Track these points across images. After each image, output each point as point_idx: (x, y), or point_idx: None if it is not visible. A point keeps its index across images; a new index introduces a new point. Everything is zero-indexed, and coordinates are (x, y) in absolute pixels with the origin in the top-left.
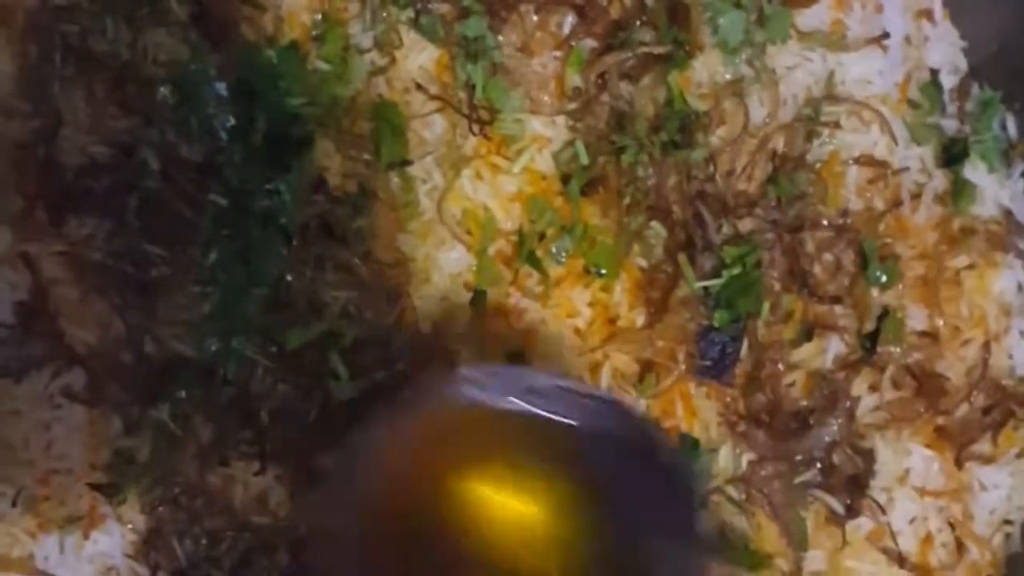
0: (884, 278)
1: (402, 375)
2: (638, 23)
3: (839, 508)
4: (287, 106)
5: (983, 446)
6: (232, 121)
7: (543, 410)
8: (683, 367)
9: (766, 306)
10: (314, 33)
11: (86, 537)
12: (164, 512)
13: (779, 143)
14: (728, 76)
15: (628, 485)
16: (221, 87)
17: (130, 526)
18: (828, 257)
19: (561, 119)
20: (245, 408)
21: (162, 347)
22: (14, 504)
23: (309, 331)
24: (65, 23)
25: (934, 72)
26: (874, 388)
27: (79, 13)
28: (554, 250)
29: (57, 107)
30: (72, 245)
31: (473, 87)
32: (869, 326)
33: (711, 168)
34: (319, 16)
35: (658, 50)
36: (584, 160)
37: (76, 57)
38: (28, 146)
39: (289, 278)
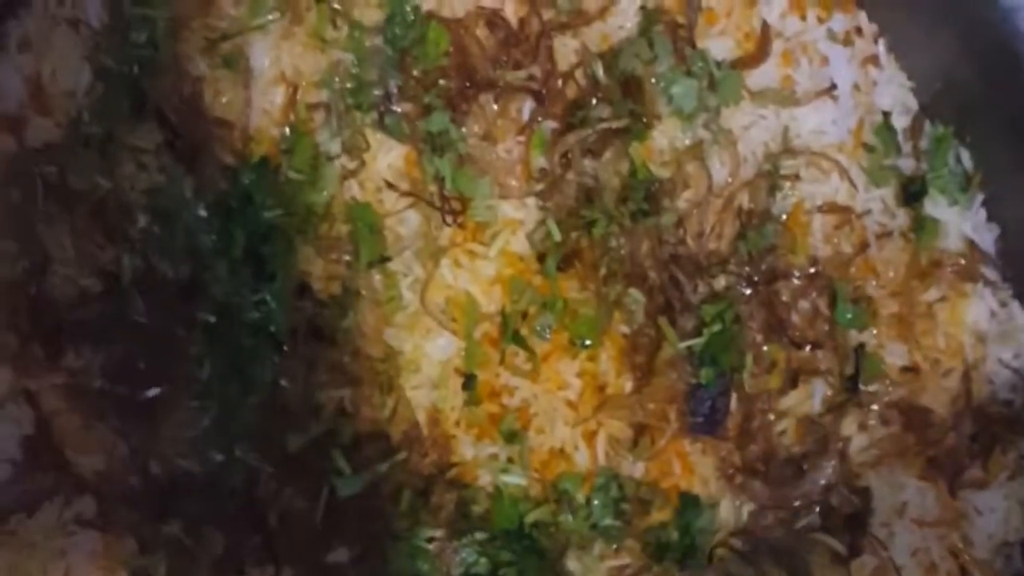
0: (853, 317)
1: (406, 464)
2: (594, 101)
3: (841, 549)
4: (264, 219)
5: (975, 472)
6: (213, 239)
7: None
8: (676, 426)
9: (749, 358)
10: (283, 146)
11: None
12: None
13: (744, 200)
14: (687, 141)
15: None
16: (199, 208)
17: None
18: (804, 304)
19: (531, 200)
20: (254, 514)
21: (167, 465)
22: None
23: (308, 433)
24: (43, 163)
25: (886, 115)
26: (863, 427)
27: (55, 152)
28: (538, 327)
29: (43, 245)
30: (70, 376)
31: (442, 179)
32: (850, 368)
33: (681, 231)
34: (287, 129)
35: (616, 124)
36: (557, 237)
37: (56, 195)
38: (19, 285)
39: (283, 383)
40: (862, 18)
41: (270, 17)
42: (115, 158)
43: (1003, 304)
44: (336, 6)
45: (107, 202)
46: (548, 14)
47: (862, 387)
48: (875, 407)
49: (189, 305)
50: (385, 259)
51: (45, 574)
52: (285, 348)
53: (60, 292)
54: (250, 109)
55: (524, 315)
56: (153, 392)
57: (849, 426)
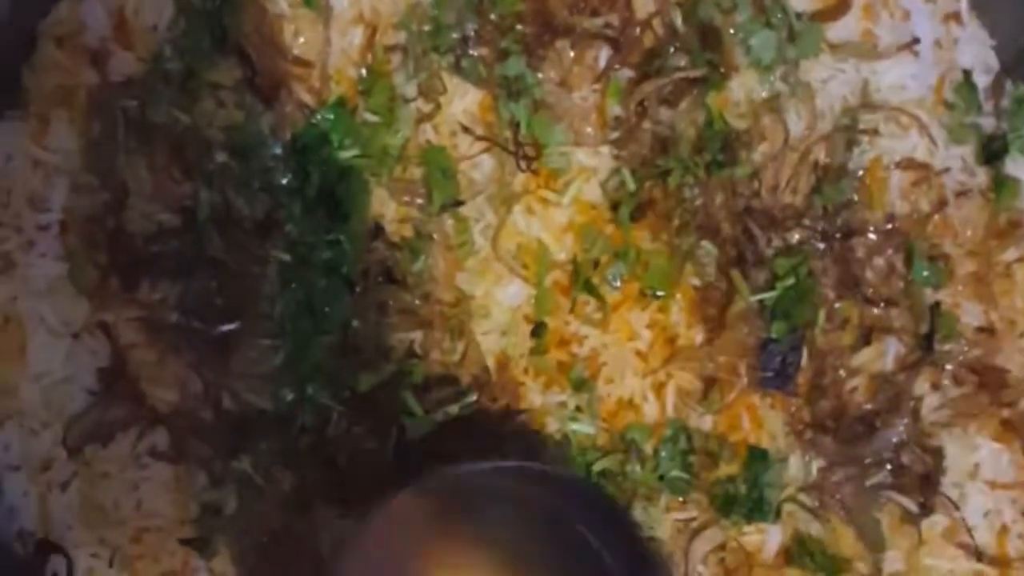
0: (929, 275)
1: (475, 407)
2: (671, 50)
3: (913, 507)
4: (340, 159)
5: None
6: (289, 178)
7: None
8: (746, 380)
9: (822, 314)
10: (360, 87)
11: None
12: (253, 560)
13: (820, 154)
14: (764, 93)
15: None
16: (276, 146)
17: None
18: (879, 261)
19: (605, 149)
20: (323, 454)
21: (239, 401)
22: (110, 565)
23: (379, 374)
24: (124, 97)
25: (967, 73)
26: (936, 386)
27: (136, 86)
28: (609, 276)
29: (123, 179)
30: (146, 309)
31: (517, 125)
32: (925, 326)
33: (756, 184)
34: (364, 70)
35: (693, 74)
36: (631, 186)
37: (136, 129)
38: (98, 219)
39: (355, 324)
40: None
41: None
42: (195, 94)
43: None
44: None
45: (186, 138)
46: None
47: (936, 346)
48: (949, 366)
49: (264, 243)
50: (458, 203)
51: (117, 504)
52: (357, 289)
53: (138, 226)
54: (329, 49)
55: (595, 264)
56: (227, 328)
57: (922, 385)
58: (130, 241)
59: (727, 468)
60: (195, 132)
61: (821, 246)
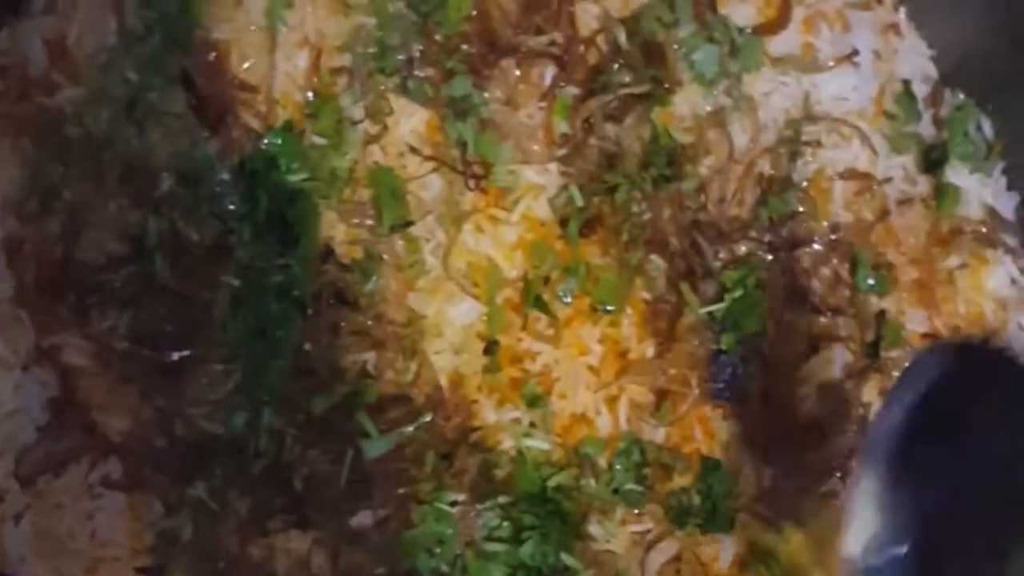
0: (874, 283)
1: (428, 426)
2: (616, 66)
3: None
4: (289, 183)
5: None
6: (238, 203)
7: None
8: (697, 392)
9: (770, 324)
10: (307, 111)
11: None
12: None
13: (765, 166)
14: (708, 107)
15: None
16: (224, 172)
17: None
18: (825, 271)
19: (553, 165)
20: (279, 478)
21: (192, 427)
22: None
23: (333, 396)
24: (69, 126)
25: (906, 83)
26: (883, 393)
27: (82, 115)
28: (560, 292)
29: (70, 207)
30: (96, 337)
31: (465, 144)
32: (871, 334)
33: (702, 197)
34: (310, 94)
35: (638, 90)
36: (579, 202)
37: (82, 157)
38: (46, 248)
39: (307, 347)
40: None
41: None
42: (141, 121)
43: (1023, 271)
44: None
45: (133, 165)
46: None
47: (883, 353)
48: (895, 373)
49: (214, 268)
50: (408, 224)
51: (72, 535)
52: (309, 312)
53: (86, 254)
54: (274, 73)
55: (546, 280)
56: (179, 354)
57: (870, 392)
58: (79, 270)
59: (681, 479)
60: (142, 159)
61: (768, 257)
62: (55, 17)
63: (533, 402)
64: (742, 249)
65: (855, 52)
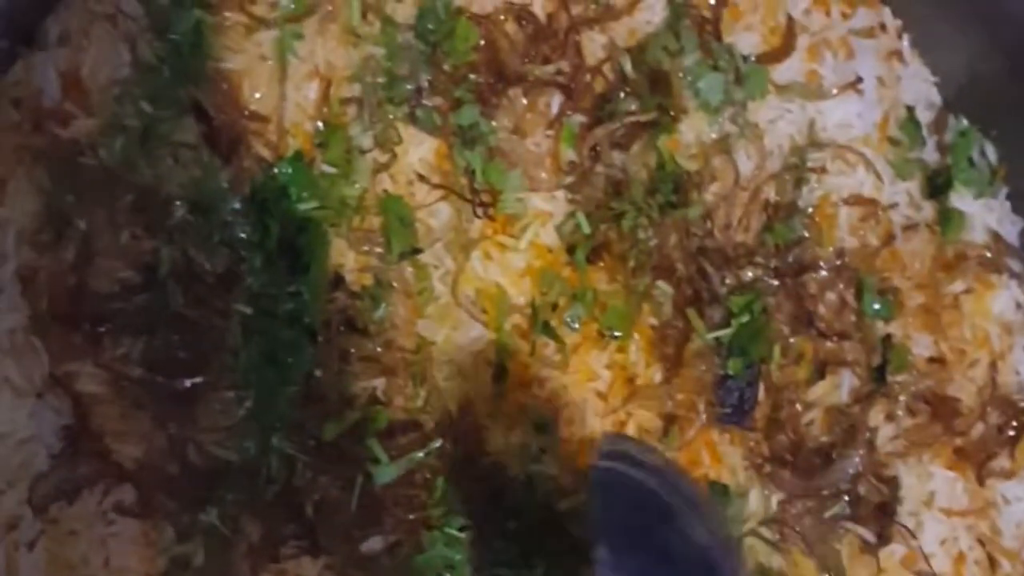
0: (880, 308)
1: (438, 452)
2: (622, 94)
3: (871, 537)
4: (299, 211)
5: (1002, 462)
6: (249, 231)
7: None
8: (704, 417)
9: (777, 349)
10: (317, 140)
11: None
12: None
13: (770, 193)
14: (714, 135)
15: None
16: (235, 201)
17: None
18: (831, 296)
19: (560, 193)
20: (290, 503)
21: (205, 454)
22: None
23: (343, 422)
24: (83, 157)
25: (910, 109)
26: (890, 417)
27: (96, 146)
28: (568, 318)
29: (83, 236)
30: (109, 364)
31: (473, 172)
32: (877, 358)
33: (708, 224)
34: (320, 124)
35: (644, 118)
36: (586, 229)
37: (96, 187)
38: (59, 276)
39: (318, 373)
40: (886, 14)
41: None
42: (154, 151)
43: None
44: (369, 1)
45: (146, 195)
46: (576, 9)
47: (889, 378)
48: (902, 397)
49: (226, 296)
50: (416, 251)
51: (86, 562)
52: (319, 339)
53: (100, 283)
54: (284, 103)
55: (554, 307)
56: (191, 381)
57: (876, 416)
58: (92, 298)
59: None
60: (155, 189)
61: (774, 283)
62: (69, 49)
63: (541, 428)
64: (748, 275)
65: (859, 79)
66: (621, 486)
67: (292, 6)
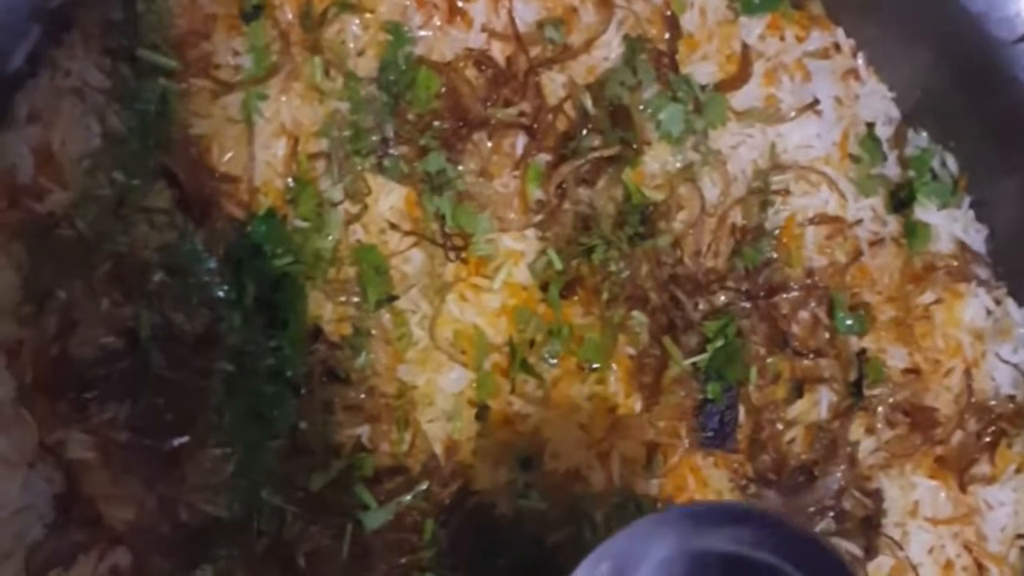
0: (852, 324)
1: (426, 494)
2: (584, 131)
3: (858, 551)
4: (274, 267)
5: (983, 468)
6: (226, 290)
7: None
8: (687, 442)
9: (754, 371)
10: (288, 196)
11: None
12: None
13: (737, 217)
14: (678, 164)
15: None
16: (211, 261)
17: None
18: (803, 315)
19: (530, 232)
20: (282, 556)
21: (195, 512)
22: None
23: (330, 471)
24: (59, 229)
25: (870, 126)
26: (870, 431)
27: (70, 217)
28: (545, 354)
29: (63, 307)
30: (96, 430)
31: (443, 217)
32: (853, 373)
33: (678, 252)
34: (290, 180)
35: (608, 152)
36: (558, 266)
37: (73, 258)
38: (43, 347)
39: (303, 425)
40: (839, 34)
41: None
42: (128, 219)
43: (998, 302)
44: (329, 57)
45: (123, 261)
46: (534, 51)
47: (866, 392)
48: (880, 410)
49: (207, 356)
50: (393, 298)
51: None
52: (302, 391)
53: (82, 351)
54: (254, 163)
55: (531, 343)
56: (177, 441)
57: (856, 430)
58: (75, 366)
59: None
60: (131, 255)
61: (747, 305)
62: (39, 126)
63: (527, 463)
64: (721, 299)
65: (816, 101)
66: None
67: (255, 68)
